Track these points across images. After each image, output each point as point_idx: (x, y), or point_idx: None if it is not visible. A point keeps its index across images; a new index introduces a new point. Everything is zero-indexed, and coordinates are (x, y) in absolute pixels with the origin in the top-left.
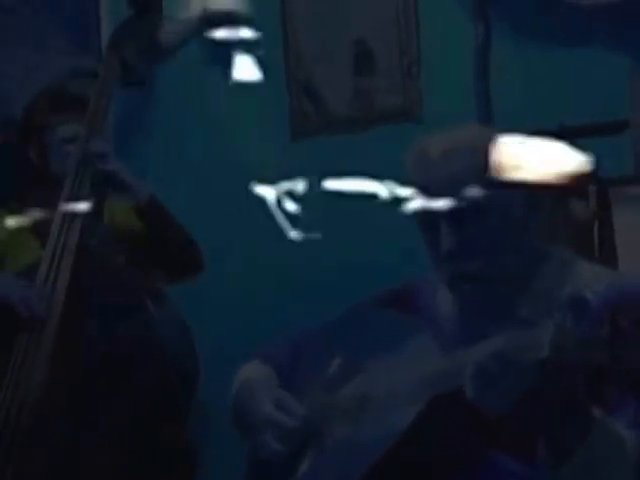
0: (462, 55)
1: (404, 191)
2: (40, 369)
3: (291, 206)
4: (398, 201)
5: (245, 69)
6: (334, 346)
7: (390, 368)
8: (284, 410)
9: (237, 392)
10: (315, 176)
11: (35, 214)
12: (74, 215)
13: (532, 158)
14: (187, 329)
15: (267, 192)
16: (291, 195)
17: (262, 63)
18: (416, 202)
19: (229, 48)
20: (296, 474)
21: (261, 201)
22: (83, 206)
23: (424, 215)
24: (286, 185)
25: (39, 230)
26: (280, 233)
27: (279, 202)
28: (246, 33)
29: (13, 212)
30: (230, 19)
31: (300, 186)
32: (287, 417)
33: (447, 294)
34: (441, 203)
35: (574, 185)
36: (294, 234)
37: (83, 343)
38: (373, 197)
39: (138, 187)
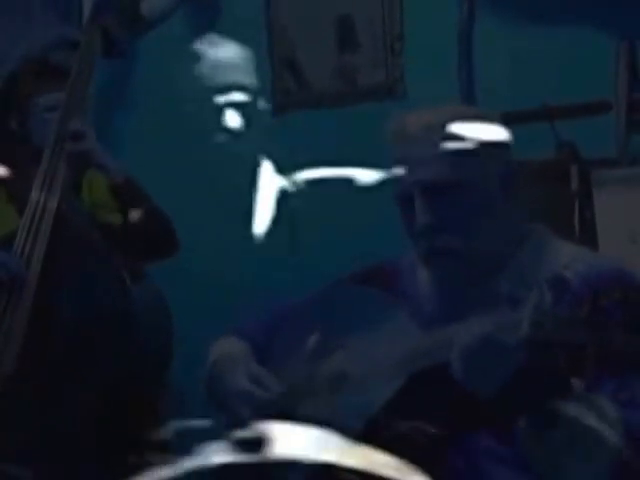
0: (445, 32)
1: (384, 167)
2: (15, 341)
3: (271, 181)
4: (378, 177)
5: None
6: (312, 322)
7: (368, 345)
8: (259, 384)
9: (212, 367)
10: (296, 151)
11: (15, 184)
12: (51, 187)
13: None
14: (165, 306)
15: (248, 167)
16: (272, 170)
17: (245, 38)
18: (394, 176)
19: (211, 21)
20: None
21: (241, 176)
22: (60, 179)
23: (401, 190)
24: (267, 160)
25: (18, 200)
26: (258, 208)
27: (259, 177)
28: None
29: None
30: None
31: (281, 161)
32: (262, 390)
33: (425, 271)
34: (418, 178)
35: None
36: (272, 208)
37: (58, 316)
38: (353, 173)
39: (114, 167)
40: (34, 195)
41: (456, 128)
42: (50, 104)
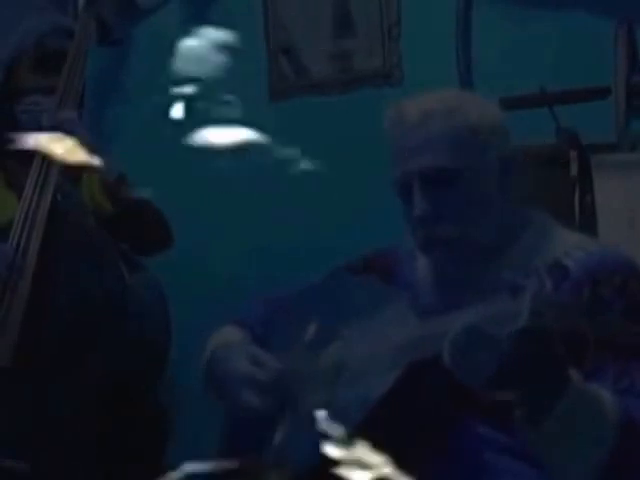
0: (443, 17)
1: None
2: (12, 334)
3: (266, 168)
4: (376, 164)
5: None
6: (310, 312)
7: (367, 335)
8: (260, 365)
9: (211, 355)
10: (293, 137)
11: (15, 171)
12: (46, 179)
13: None
14: (162, 295)
15: (245, 155)
16: (267, 157)
17: (241, 23)
18: (393, 164)
19: (207, 8)
20: (271, 440)
21: (238, 164)
22: (55, 170)
23: (400, 178)
24: (264, 147)
25: (19, 187)
26: (254, 198)
27: (255, 164)
28: None
29: None
30: None
31: (278, 148)
32: (263, 371)
33: (423, 259)
34: (416, 166)
35: None
36: (270, 198)
37: (55, 306)
38: (348, 160)
39: (106, 164)
40: (29, 187)
41: (454, 114)
42: (26, 108)
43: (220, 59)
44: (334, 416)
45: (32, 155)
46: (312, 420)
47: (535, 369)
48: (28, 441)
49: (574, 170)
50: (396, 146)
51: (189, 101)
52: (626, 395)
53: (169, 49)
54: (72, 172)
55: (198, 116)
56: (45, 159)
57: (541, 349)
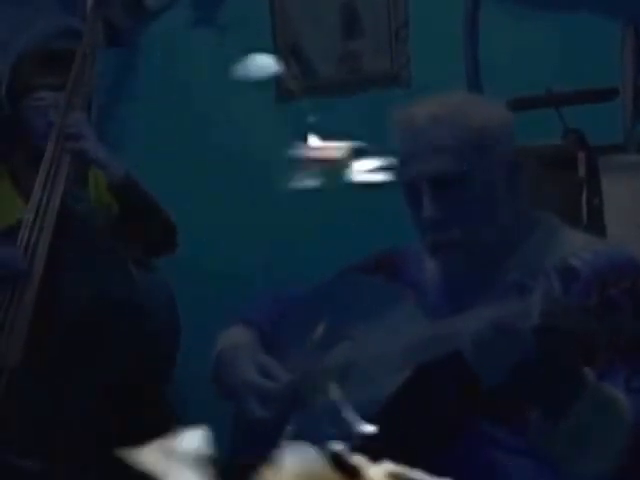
0: (451, 19)
1: (390, 155)
2: (20, 334)
3: (274, 169)
4: (383, 167)
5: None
6: (318, 311)
7: (375, 335)
8: (268, 376)
9: (219, 356)
10: (299, 139)
11: (21, 175)
12: (55, 180)
13: None
14: (171, 294)
15: (253, 156)
16: (275, 158)
17: (249, 24)
18: (401, 168)
19: (215, 8)
20: (280, 438)
21: (246, 164)
22: (64, 171)
23: (407, 181)
24: (270, 147)
25: (24, 190)
26: (262, 198)
27: (264, 165)
28: None
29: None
30: None
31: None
32: (271, 383)
33: (433, 261)
34: (424, 169)
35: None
36: (276, 199)
37: (64, 306)
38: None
39: (112, 165)
40: (37, 188)
41: (462, 118)
42: (33, 104)
43: (227, 60)
44: (342, 417)
45: (38, 155)
46: (319, 419)
47: (550, 369)
48: (37, 440)
49: (582, 171)
50: (404, 149)
51: (196, 102)
52: (638, 395)
53: (177, 50)
54: (80, 172)
55: (204, 117)
56: (54, 160)
57: (554, 349)
